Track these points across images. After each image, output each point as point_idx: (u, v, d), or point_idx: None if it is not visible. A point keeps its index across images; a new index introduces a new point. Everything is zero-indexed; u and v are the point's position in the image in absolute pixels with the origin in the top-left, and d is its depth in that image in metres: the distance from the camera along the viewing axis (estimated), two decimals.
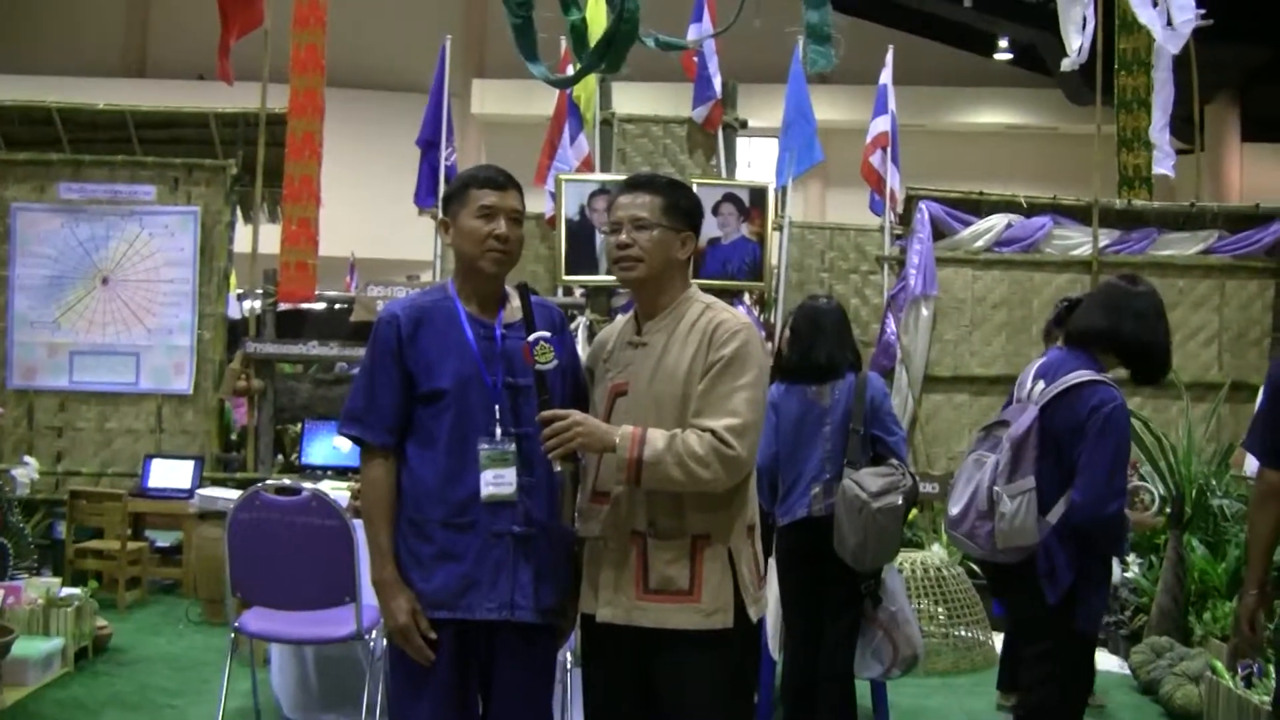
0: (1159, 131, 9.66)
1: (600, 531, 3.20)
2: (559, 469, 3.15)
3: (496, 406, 3.21)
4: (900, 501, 4.71)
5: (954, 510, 4.03)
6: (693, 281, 3.35)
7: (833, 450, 4.97)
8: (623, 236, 3.21)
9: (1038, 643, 3.95)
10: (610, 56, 3.84)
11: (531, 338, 3.14)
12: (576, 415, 3.09)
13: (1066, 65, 9.47)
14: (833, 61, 3.88)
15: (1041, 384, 3.96)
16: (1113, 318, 3.97)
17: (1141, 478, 7.14)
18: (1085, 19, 9.21)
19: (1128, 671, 6.69)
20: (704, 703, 3.14)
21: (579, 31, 4.07)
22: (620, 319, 3.45)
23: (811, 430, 5.02)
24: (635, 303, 3.35)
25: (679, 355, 3.16)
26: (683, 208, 3.26)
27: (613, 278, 4.34)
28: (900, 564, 6.82)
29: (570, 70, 4.43)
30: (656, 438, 3.02)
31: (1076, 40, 9.24)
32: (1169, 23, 9.10)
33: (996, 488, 3.85)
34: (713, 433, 3.02)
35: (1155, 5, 9.15)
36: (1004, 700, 6.10)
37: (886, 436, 4.97)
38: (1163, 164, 9.71)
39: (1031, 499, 3.79)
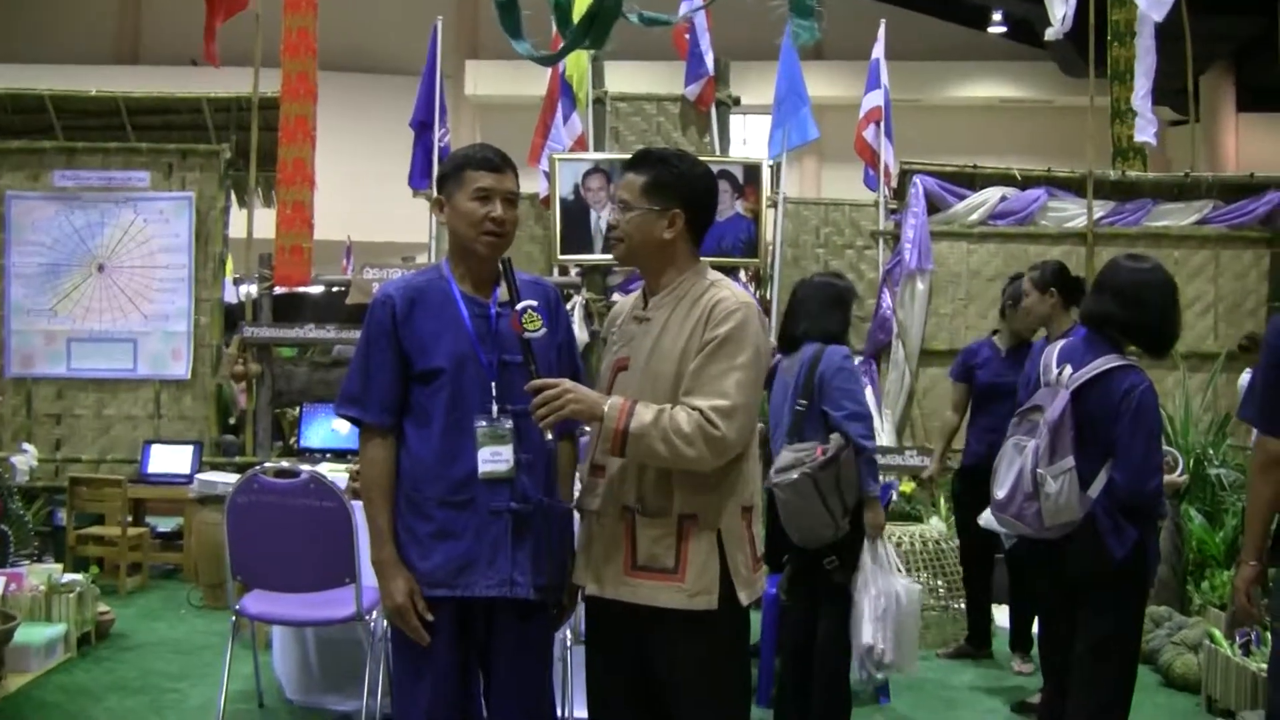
0: (1141, 99, 9.64)
1: (598, 506, 3.19)
2: (550, 438, 3.13)
3: (493, 384, 3.22)
4: (796, 477, 4.56)
5: (1000, 494, 4.13)
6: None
7: (789, 424, 4.95)
8: (609, 217, 3.24)
9: (1096, 601, 4.03)
10: (594, 33, 3.85)
11: (519, 305, 3.14)
12: (567, 384, 3.06)
13: (1050, 34, 9.47)
14: (816, 35, 3.88)
15: (1069, 369, 4.06)
16: (1119, 300, 4.06)
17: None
18: None
19: None
20: (695, 681, 3.12)
21: (562, 9, 4.06)
22: (635, 293, 3.44)
23: (785, 402, 5.01)
24: (643, 278, 3.36)
25: (677, 333, 3.13)
26: (668, 184, 3.16)
27: (608, 257, 4.36)
28: (899, 537, 6.85)
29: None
30: (644, 411, 3.00)
31: (1061, 9, 9.25)
32: None
33: (1040, 470, 3.96)
34: (700, 412, 2.98)
35: None
36: (1022, 666, 6.32)
37: (833, 412, 4.75)
38: (1145, 132, 9.69)
39: (1073, 477, 3.92)
